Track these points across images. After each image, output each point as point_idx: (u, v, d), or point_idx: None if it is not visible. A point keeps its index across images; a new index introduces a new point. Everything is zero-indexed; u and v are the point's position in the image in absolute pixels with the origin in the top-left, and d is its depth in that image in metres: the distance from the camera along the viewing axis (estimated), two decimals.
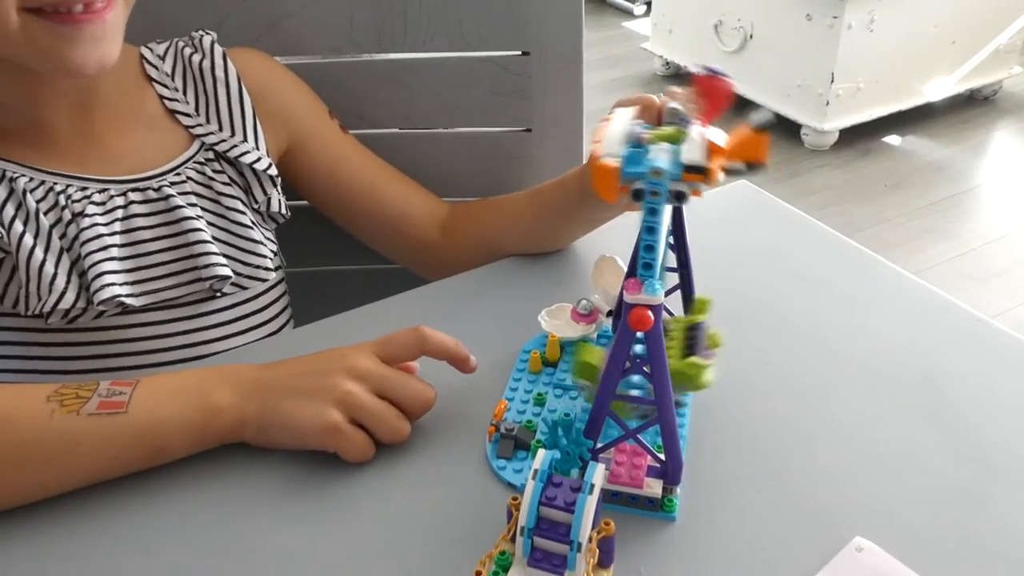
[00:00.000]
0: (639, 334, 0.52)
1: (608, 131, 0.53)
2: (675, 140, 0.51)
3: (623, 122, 0.54)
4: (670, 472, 0.56)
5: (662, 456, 0.56)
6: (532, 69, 0.94)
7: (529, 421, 0.63)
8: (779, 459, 0.61)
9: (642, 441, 0.56)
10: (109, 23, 0.66)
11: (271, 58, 0.89)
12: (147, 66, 0.81)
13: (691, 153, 0.50)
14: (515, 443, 0.61)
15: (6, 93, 0.71)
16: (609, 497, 0.57)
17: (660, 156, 0.50)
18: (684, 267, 0.64)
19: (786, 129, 2.91)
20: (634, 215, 0.52)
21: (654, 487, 0.57)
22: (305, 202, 0.91)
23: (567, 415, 0.52)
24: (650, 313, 0.49)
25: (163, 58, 0.82)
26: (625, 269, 0.67)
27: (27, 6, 0.63)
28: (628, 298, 0.49)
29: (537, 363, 0.69)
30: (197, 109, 0.81)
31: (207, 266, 0.76)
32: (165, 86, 0.81)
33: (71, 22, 0.64)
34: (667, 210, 0.55)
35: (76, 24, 0.65)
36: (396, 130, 0.98)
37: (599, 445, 0.55)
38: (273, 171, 0.82)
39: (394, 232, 0.90)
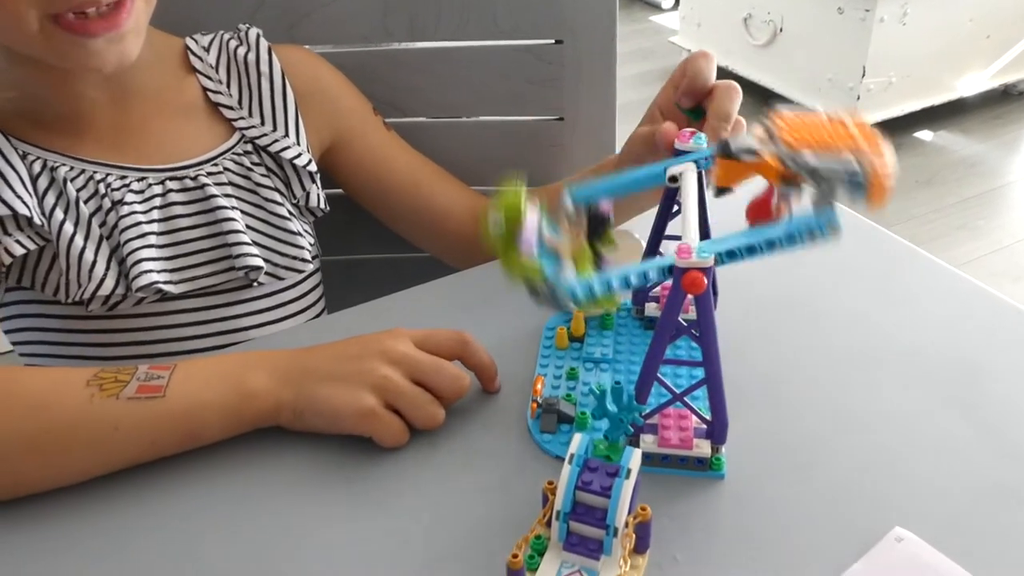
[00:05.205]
0: None
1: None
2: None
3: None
4: (717, 431, 0.57)
5: (707, 416, 0.57)
6: (565, 58, 0.93)
7: (568, 394, 0.64)
8: (817, 449, 0.60)
9: (689, 404, 0.57)
10: (124, 27, 0.67)
11: (318, 56, 0.89)
12: (191, 57, 0.81)
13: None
14: (558, 417, 0.61)
15: (43, 87, 0.72)
16: (659, 461, 0.58)
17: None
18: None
19: None
20: None
21: (703, 447, 0.58)
22: (338, 190, 0.91)
23: (617, 383, 0.52)
24: (703, 276, 0.50)
25: (208, 49, 0.82)
26: (643, 243, 0.68)
27: (47, 13, 0.64)
28: (680, 263, 0.50)
29: (564, 339, 0.69)
30: (240, 102, 0.81)
31: (240, 255, 0.76)
32: (209, 77, 0.81)
33: (83, 31, 0.65)
34: (693, 181, 0.59)
35: (91, 34, 0.65)
36: (427, 119, 0.98)
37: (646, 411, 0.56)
38: (313, 167, 0.82)
39: (436, 228, 0.91)
